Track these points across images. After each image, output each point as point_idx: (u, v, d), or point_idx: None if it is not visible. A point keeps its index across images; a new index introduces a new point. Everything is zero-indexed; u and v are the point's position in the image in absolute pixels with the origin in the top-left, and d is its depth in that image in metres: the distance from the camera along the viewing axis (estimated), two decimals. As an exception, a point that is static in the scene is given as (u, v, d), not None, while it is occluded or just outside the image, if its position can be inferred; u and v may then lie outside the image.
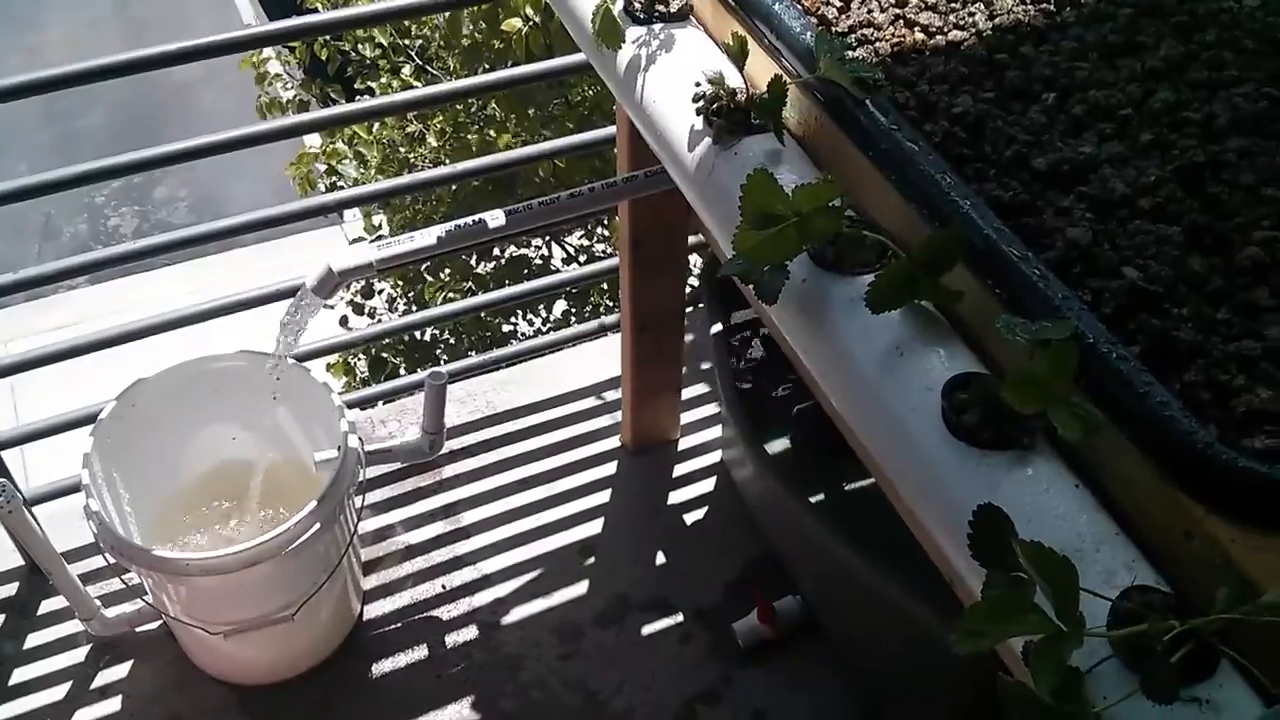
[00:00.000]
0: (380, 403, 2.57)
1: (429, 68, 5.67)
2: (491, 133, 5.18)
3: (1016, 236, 0.94)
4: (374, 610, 2.03)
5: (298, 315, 1.61)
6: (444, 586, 2.05)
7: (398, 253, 1.61)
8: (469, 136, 4.85)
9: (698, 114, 1.12)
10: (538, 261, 5.94)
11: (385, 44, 5.58)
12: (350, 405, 2.38)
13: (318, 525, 1.67)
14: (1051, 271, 0.92)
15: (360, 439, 1.79)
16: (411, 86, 5.65)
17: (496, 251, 5.64)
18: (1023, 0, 1.24)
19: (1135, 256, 0.95)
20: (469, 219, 1.61)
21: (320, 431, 1.87)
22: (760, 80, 1.13)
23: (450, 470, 2.25)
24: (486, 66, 4.58)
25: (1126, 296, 0.90)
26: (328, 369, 4.71)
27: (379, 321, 5.24)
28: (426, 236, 1.64)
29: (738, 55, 1.06)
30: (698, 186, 1.13)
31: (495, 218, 1.62)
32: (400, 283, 5.43)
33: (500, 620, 2.00)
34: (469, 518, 2.17)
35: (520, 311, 5.94)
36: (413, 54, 5.62)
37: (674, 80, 1.16)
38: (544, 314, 5.96)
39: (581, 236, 5.53)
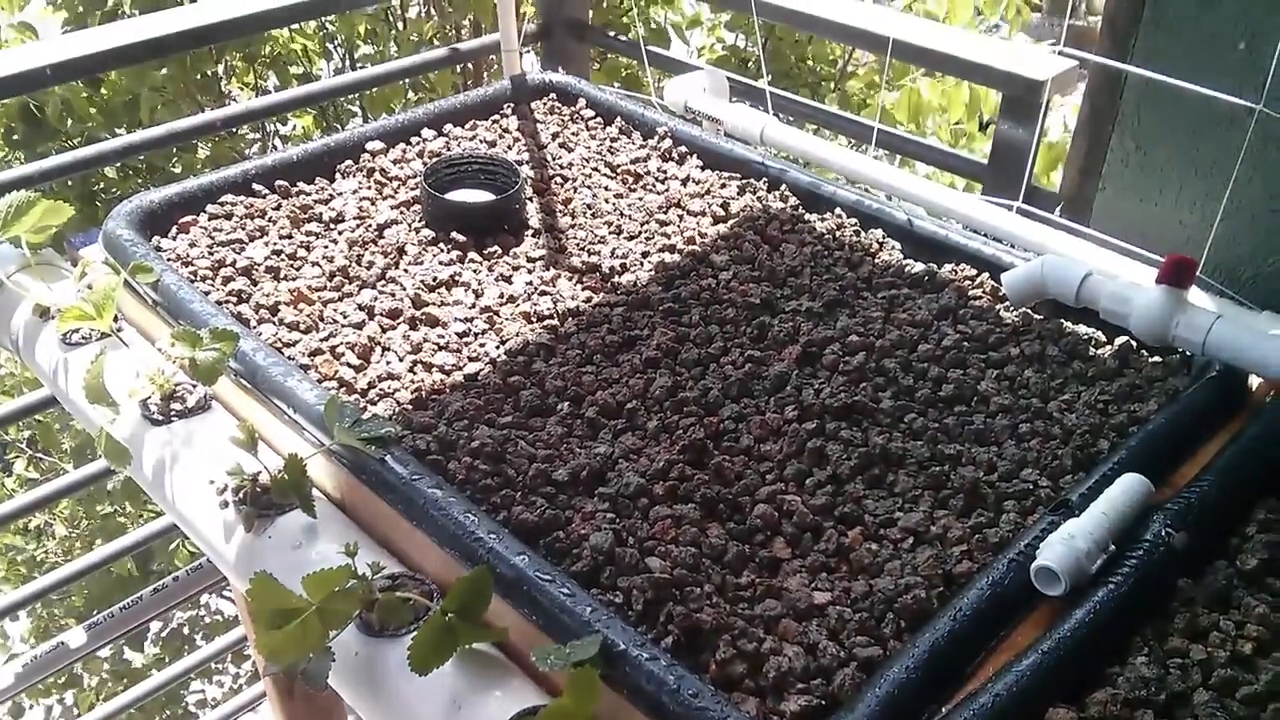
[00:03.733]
0: None
1: (46, 456, 5.33)
2: (128, 504, 4.89)
3: (544, 558, 0.97)
4: None
5: None
6: None
7: (-33, 708, 1.45)
8: (98, 518, 4.56)
9: (222, 506, 1.10)
10: (209, 620, 5.56)
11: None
12: None
13: None
14: (581, 583, 0.95)
15: None
16: (31, 480, 5.30)
17: (158, 627, 5.23)
18: (529, 320, 1.33)
19: (657, 545, 1.00)
20: (45, 647, 1.48)
21: None
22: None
23: None
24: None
25: (653, 590, 0.94)
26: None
27: (35, 743, 4.65)
28: (4, 676, 1.49)
29: (247, 445, 1.06)
30: (244, 579, 1.09)
31: (76, 637, 1.50)
32: (52, 690, 4.89)
33: None
34: None
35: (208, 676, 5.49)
36: (23, 445, 5.28)
37: (201, 476, 1.14)
38: (234, 669, 5.54)
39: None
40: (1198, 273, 1.23)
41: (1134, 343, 1.26)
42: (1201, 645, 0.88)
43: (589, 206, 1.58)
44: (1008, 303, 1.33)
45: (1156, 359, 1.25)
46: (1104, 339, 1.29)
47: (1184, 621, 0.90)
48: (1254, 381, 1.19)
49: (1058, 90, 1.64)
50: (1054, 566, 0.90)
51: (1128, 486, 0.98)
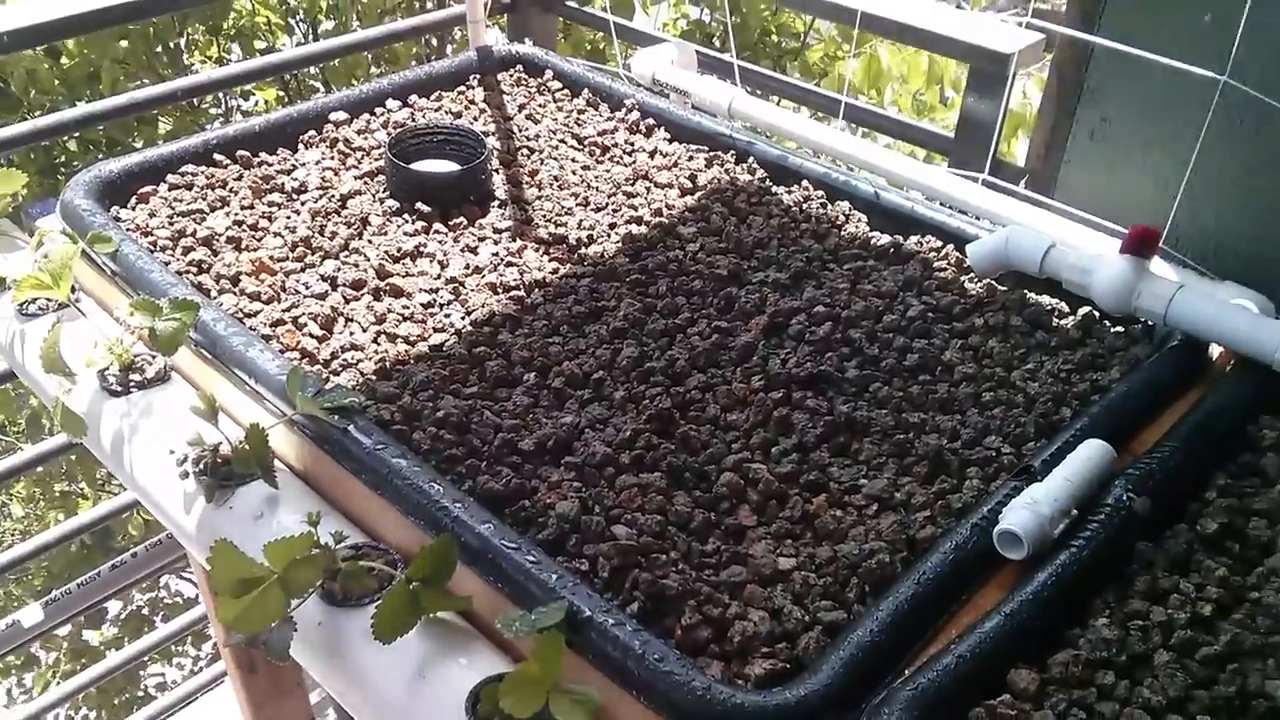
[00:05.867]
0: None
1: (2, 436, 5.27)
2: (85, 486, 4.84)
3: (510, 526, 0.97)
4: None
5: None
6: None
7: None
8: (56, 496, 4.51)
9: (182, 477, 1.09)
10: (169, 601, 5.52)
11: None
12: None
13: None
14: (547, 551, 0.95)
15: None
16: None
17: (117, 608, 5.19)
18: (495, 291, 1.32)
19: (624, 513, 1.00)
20: (0, 624, 1.46)
21: None
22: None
23: None
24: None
25: (619, 557, 0.94)
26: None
27: (-6, 726, 4.61)
28: (-42, 656, 1.46)
29: (208, 414, 1.05)
30: (205, 551, 1.08)
31: (32, 614, 1.48)
32: (11, 670, 4.85)
33: None
34: None
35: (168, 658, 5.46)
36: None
37: (160, 447, 1.13)
38: (194, 652, 5.51)
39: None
40: (1160, 243, 1.24)
41: (1097, 313, 1.26)
42: (1162, 607, 0.88)
43: (556, 178, 1.57)
44: (972, 274, 1.34)
45: (1119, 329, 1.25)
46: (1067, 309, 1.29)
47: (1145, 584, 0.91)
48: (1214, 351, 1.20)
49: (1024, 64, 1.64)
50: (1017, 530, 0.90)
51: (1090, 453, 0.99)
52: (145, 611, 5.21)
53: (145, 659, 4.45)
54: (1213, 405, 1.10)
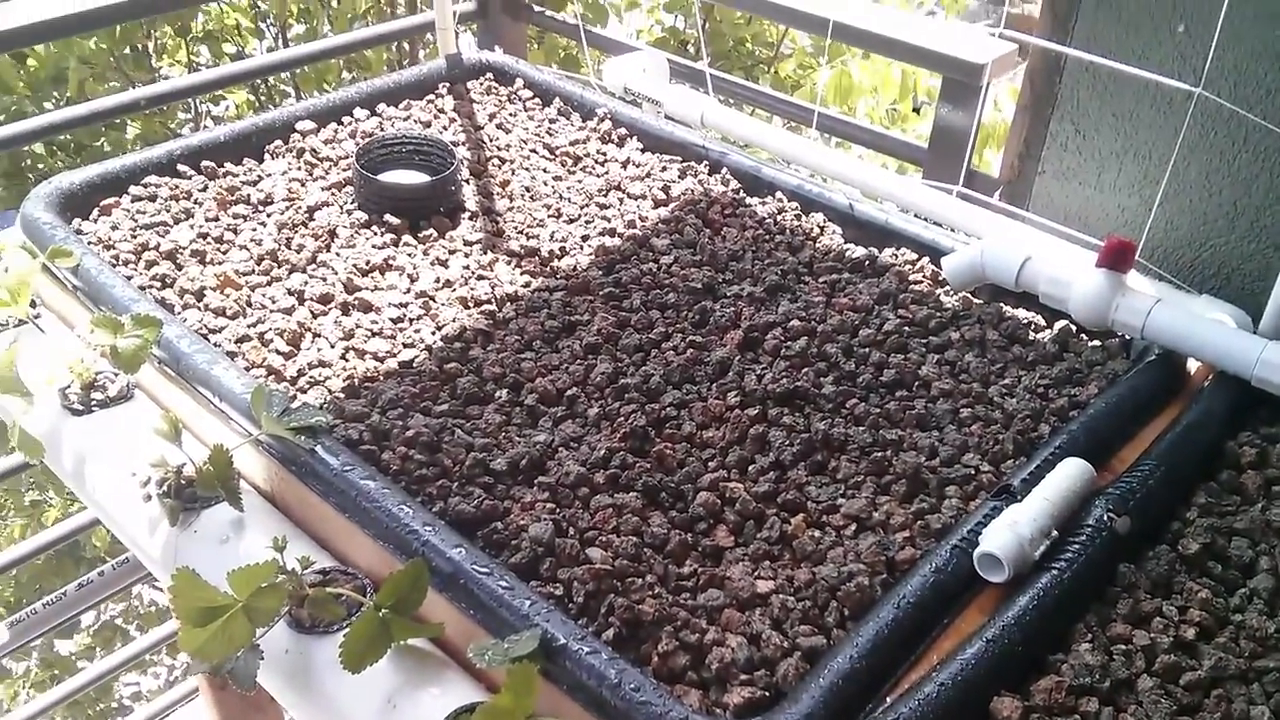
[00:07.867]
0: None
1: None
2: (54, 495, 4.77)
3: (482, 550, 0.95)
4: None
5: None
6: None
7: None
8: (25, 506, 4.44)
9: (145, 499, 1.06)
10: (143, 611, 5.45)
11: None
12: None
13: None
14: (520, 575, 0.93)
15: None
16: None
17: (90, 619, 5.12)
18: (466, 306, 1.30)
19: (599, 535, 0.98)
20: (-38, 647, 1.43)
21: None
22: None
23: None
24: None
25: (594, 581, 0.92)
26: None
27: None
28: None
29: (171, 435, 1.02)
30: (169, 574, 1.05)
31: (-5, 636, 1.45)
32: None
33: None
34: None
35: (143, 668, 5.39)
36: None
37: (123, 468, 1.10)
38: (170, 661, 5.44)
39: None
40: (1136, 256, 1.24)
41: (1074, 326, 1.26)
42: (1145, 631, 0.87)
43: (527, 189, 1.55)
44: (948, 287, 1.33)
45: (1096, 343, 1.25)
46: (1044, 323, 1.29)
47: (1127, 607, 0.90)
48: (1192, 365, 1.20)
49: (997, 74, 1.64)
50: (997, 553, 0.89)
51: (1069, 471, 0.98)
52: (119, 622, 5.14)
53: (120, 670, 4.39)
54: (1192, 421, 1.09)
